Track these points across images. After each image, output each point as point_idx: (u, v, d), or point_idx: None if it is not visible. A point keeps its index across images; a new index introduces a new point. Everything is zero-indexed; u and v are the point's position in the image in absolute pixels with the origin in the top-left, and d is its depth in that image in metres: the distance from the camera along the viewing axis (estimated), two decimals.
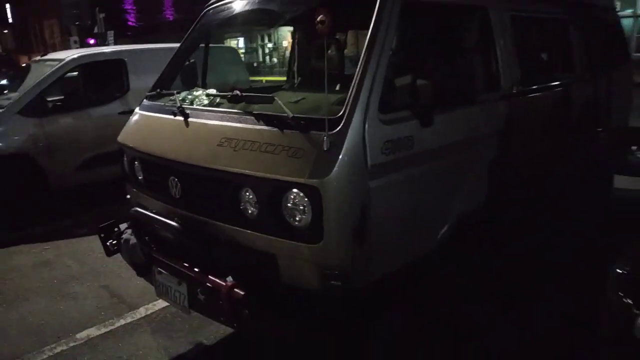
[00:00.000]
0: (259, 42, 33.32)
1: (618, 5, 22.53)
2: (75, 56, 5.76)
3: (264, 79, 16.81)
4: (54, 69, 5.48)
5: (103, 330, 3.06)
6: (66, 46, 22.85)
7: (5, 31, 51.14)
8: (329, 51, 2.78)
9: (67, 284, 3.72)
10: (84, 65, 5.72)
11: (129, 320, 3.17)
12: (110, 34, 20.78)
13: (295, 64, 3.55)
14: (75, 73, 5.82)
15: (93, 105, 5.67)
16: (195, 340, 2.91)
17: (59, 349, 2.88)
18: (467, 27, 2.54)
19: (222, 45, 6.60)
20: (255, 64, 32.31)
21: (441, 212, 2.28)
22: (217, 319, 2.12)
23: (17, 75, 6.53)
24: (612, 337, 1.20)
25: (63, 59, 5.64)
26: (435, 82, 2.11)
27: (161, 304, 3.30)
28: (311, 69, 2.97)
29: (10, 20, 54.28)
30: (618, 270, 1.23)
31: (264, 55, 33.15)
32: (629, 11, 21.68)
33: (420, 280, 2.18)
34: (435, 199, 2.23)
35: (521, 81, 2.71)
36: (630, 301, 1.14)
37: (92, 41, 21.12)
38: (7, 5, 53.60)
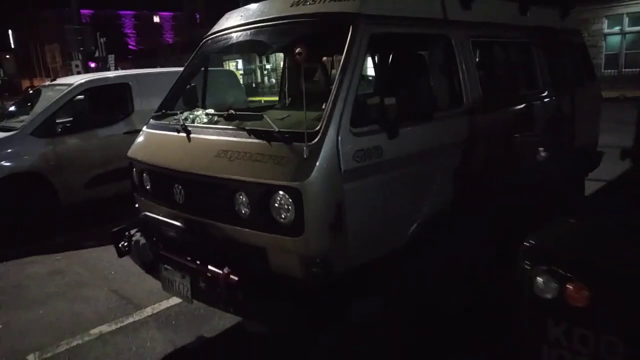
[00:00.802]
0: (258, 63, 34.08)
1: (606, 23, 23.06)
2: (82, 81, 6.19)
3: (262, 99, 17.29)
4: (63, 93, 5.89)
5: (114, 327, 3.39)
6: (68, 70, 23.41)
7: (7, 56, 52.17)
8: (315, 75, 3.17)
9: (79, 289, 4.05)
10: (91, 89, 6.14)
11: (137, 318, 3.50)
12: (111, 58, 21.33)
13: (286, 86, 3.95)
14: (83, 96, 6.26)
15: (100, 126, 6.06)
16: (197, 334, 3.24)
17: (74, 343, 3.20)
18: (431, 53, 2.94)
19: (221, 69, 7.04)
20: (254, 85, 33.01)
21: (410, 212, 2.62)
22: (217, 306, 2.45)
23: (24, 101, 6.93)
24: (519, 297, 1.54)
25: (72, 84, 6.06)
26: (400, 100, 2.50)
27: (166, 304, 3.65)
28: (297, 90, 3.36)
29: (12, 46, 55.37)
30: (525, 243, 1.58)
31: (263, 76, 33.88)
32: (616, 29, 22.31)
33: (394, 271, 2.52)
34: (405, 200, 2.58)
35: (483, 99, 3.08)
36: (534, 266, 1.49)
37: (93, 65, 21.67)
38: (10, 31, 54.74)
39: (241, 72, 33.20)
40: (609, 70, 22.66)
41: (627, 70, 22.22)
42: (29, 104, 6.53)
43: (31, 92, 7.61)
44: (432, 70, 2.91)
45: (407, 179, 2.58)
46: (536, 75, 3.86)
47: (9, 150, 5.37)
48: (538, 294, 1.47)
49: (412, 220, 2.63)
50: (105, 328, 3.38)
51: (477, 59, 3.15)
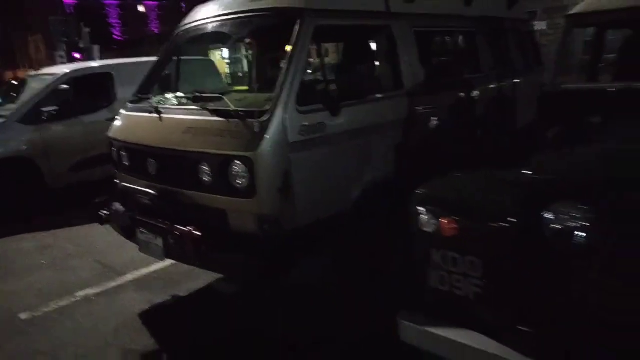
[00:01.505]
0: (244, 52, 34.05)
1: None
2: (67, 70, 6.50)
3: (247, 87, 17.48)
4: (48, 82, 6.21)
5: (98, 290, 3.78)
6: (52, 61, 23.42)
7: None
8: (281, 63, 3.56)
9: (66, 261, 4.43)
10: (75, 79, 6.44)
11: (119, 283, 3.90)
12: (96, 49, 21.38)
13: (253, 73, 4.34)
14: (68, 86, 6.56)
15: (84, 114, 6.38)
16: (172, 294, 3.64)
17: (62, 304, 3.59)
18: (373, 41, 3.34)
19: (199, 58, 7.36)
20: (240, 74, 33.05)
21: (354, 179, 3.03)
22: (185, 260, 2.86)
23: (11, 90, 7.21)
24: (411, 232, 1.96)
25: (56, 74, 6.37)
26: (342, 83, 2.90)
27: (145, 271, 4.04)
28: (257, 76, 3.75)
29: None
30: (416, 192, 1.99)
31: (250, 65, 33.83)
32: None
33: (340, 230, 2.93)
34: (348, 169, 2.98)
35: (424, 83, 3.49)
36: (420, 208, 1.91)
37: (78, 55, 21.67)
38: None
39: (227, 61, 33.22)
40: (587, 56, 23.30)
41: (605, 56, 22.82)
42: (15, 93, 6.83)
43: (16, 82, 7.89)
44: (375, 57, 3.31)
45: (350, 151, 2.99)
46: (480, 62, 4.28)
47: None
48: (423, 228, 1.90)
49: (356, 187, 3.04)
50: (90, 291, 3.77)
51: (420, 47, 3.52)
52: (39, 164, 5.87)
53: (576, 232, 1.68)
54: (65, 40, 14.64)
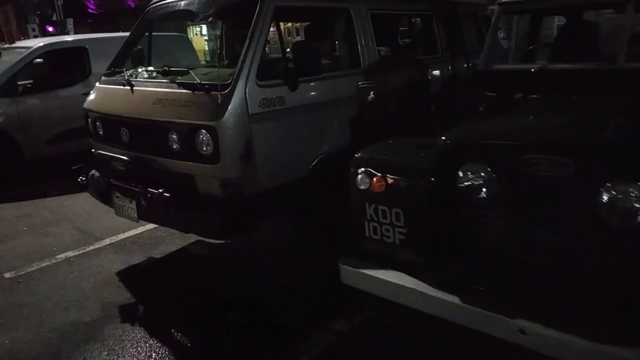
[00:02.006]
0: (223, 30, 33.62)
1: None
2: (41, 44, 6.60)
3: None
4: (22, 55, 6.31)
5: (77, 252, 4.06)
6: (24, 34, 22.87)
7: None
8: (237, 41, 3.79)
9: (45, 227, 4.68)
10: (50, 52, 6.55)
11: (97, 246, 4.17)
12: (70, 22, 20.93)
13: (221, 49, 4.57)
14: (42, 59, 6.65)
15: (59, 88, 6.51)
16: (147, 255, 3.94)
17: (44, 265, 3.86)
18: (331, 22, 3.61)
19: (173, 34, 7.49)
20: (219, 51, 32.67)
21: (312, 149, 3.32)
22: (156, 221, 3.16)
23: None
24: (351, 190, 2.29)
25: (30, 47, 6.46)
26: (301, 60, 3.17)
27: (122, 236, 4.32)
28: (225, 52, 4.00)
29: None
30: (355, 156, 2.32)
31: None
32: None
33: (299, 195, 3.24)
34: (307, 139, 3.28)
35: (379, 61, 3.78)
36: (357, 170, 2.24)
37: (51, 29, 21.20)
38: None
39: (206, 38, 32.86)
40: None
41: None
42: None
43: None
44: (333, 36, 3.58)
45: (309, 122, 3.28)
46: (435, 43, 4.58)
47: None
48: (359, 186, 2.23)
49: (314, 155, 3.34)
50: (70, 254, 4.04)
51: (376, 28, 3.80)
52: (15, 136, 6.03)
53: (481, 188, 2.03)
54: (38, 13, 14.36)
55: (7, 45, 7.39)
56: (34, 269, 3.80)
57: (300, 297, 3.13)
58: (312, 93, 3.27)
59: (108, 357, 2.67)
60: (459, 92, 4.82)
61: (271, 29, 3.21)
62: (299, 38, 7.04)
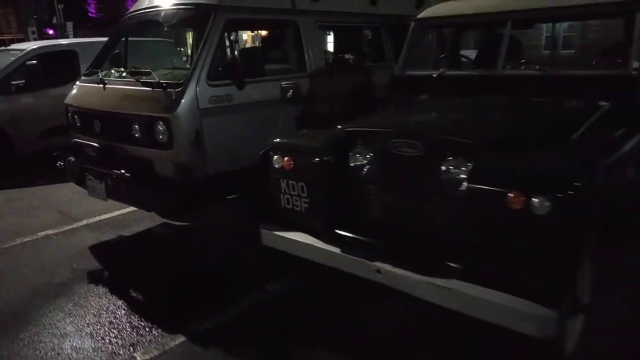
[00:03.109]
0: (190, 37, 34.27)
1: None
2: (34, 47, 7.16)
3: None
4: (16, 57, 6.86)
5: (56, 231, 4.58)
6: (24, 37, 23.49)
7: None
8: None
9: (29, 211, 5.20)
10: (43, 55, 7.12)
11: (74, 226, 4.70)
12: (70, 25, 21.54)
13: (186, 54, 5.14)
14: (35, 61, 7.22)
15: (50, 87, 7.05)
16: (117, 234, 4.46)
17: (25, 240, 4.39)
18: (281, 32, 4.16)
19: (158, 39, 8.07)
20: (187, 56, 33.26)
21: (259, 141, 3.85)
22: (121, 199, 3.69)
23: None
24: (269, 169, 2.83)
25: (24, 49, 7.02)
26: (249, 64, 3.72)
27: (97, 218, 4.85)
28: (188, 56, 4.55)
29: None
30: (274, 141, 2.85)
31: None
32: None
33: (246, 180, 3.76)
34: (254, 131, 3.80)
35: (324, 67, 4.33)
36: (274, 152, 2.78)
37: (51, 32, 21.79)
38: None
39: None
40: (548, 51, 24.48)
41: (564, 51, 23.99)
42: None
43: None
44: (282, 44, 4.14)
45: (256, 117, 3.81)
46: (383, 52, 5.15)
47: None
48: (275, 165, 2.77)
49: (261, 146, 3.88)
50: (49, 232, 4.56)
51: (324, 38, 4.37)
52: (8, 130, 6.56)
53: (365, 166, 2.58)
54: (35, 17, 14.97)
55: (2, 48, 7.92)
56: (16, 243, 4.33)
57: (243, 266, 3.66)
58: (259, 92, 3.82)
59: (73, 308, 3.20)
60: None
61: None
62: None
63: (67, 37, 20.27)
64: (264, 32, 4.37)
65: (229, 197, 3.85)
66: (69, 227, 4.68)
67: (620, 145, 2.30)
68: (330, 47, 5.85)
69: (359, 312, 3.02)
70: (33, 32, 20.68)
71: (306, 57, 4.22)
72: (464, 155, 2.20)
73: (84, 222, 4.80)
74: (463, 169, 2.18)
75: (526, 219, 1.84)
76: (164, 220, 4.69)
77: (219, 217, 4.40)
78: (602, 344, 2.54)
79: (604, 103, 2.48)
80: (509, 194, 1.87)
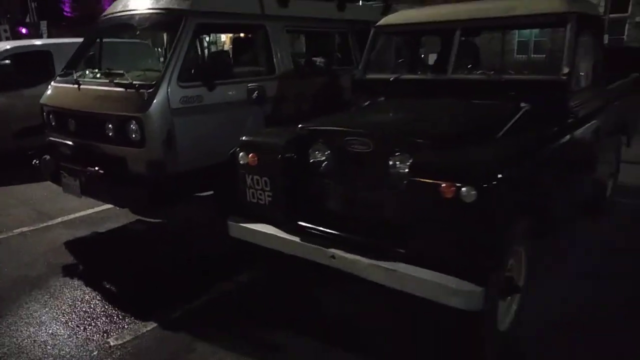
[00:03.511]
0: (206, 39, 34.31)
1: None
2: (8, 47, 7.19)
3: None
4: None
5: (31, 228, 4.69)
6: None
7: None
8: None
9: (6, 209, 5.29)
10: (17, 55, 7.16)
11: (50, 223, 4.81)
12: (43, 24, 21.23)
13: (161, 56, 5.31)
14: (9, 61, 7.26)
15: (25, 87, 7.10)
16: (92, 230, 4.61)
17: (1, 237, 4.49)
18: (250, 36, 4.36)
19: (135, 41, 8.18)
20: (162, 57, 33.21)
21: (229, 139, 4.03)
22: (95, 195, 3.83)
23: None
24: (236, 165, 3.03)
25: None
26: (220, 66, 3.91)
27: (72, 216, 4.97)
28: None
29: None
30: (241, 139, 3.06)
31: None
32: None
33: (218, 176, 3.95)
34: (224, 130, 3.99)
35: (293, 69, 4.55)
36: (240, 149, 2.99)
37: (24, 31, 21.43)
38: None
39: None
40: (520, 55, 25.13)
41: (535, 55, 24.69)
42: None
43: None
44: (252, 48, 4.34)
45: (226, 117, 4.00)
46: (350, 55, 5.39)
47: None
48: (240, 162, 2.97)
49: (231, 145, 4.07)
50: (25, 229, 4.67)
51: (292, 42, 4.59)
52: None
53: (323, 162, 2.81)
54: (8, 17, 14.81)
55: None
56: None
57: (213, 259, 3.85)
58: (229, 93, 4.01)
59: (49, 299, 3.34)
60: None
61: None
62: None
63: (41, 36, 20.01)
64: (235, 36, 4.56)
65: (203, 193, 4.06)
66: (44, 224, 4.79)
67: (544, 141, 2.58)
68: (304, 50, 6.08)
69: (320, 298, 3.25)
70: (5, 31, 20.34)
71: (275, 60, 4.43)
72: (407, 151, 2.44)
73: (59, 219, 4.91)
74: (406, 163, 2.42)
75: (457, 206, 2.09)
76: (138, 217, 4.86)
77: (192, 213, 4.61)
78: (538, 322, 2.83)
79: (524, 105, 2.76)
80: (442, 185, 2.11)
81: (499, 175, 2.09)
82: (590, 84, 3.31)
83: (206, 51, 4.08)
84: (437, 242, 2.23)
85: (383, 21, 3.86)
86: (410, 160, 2.33)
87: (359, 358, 2.63)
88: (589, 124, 3.24)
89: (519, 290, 2.60)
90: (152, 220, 4.81)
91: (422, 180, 2.19)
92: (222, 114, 3.98)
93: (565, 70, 2.87)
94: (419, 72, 3.60)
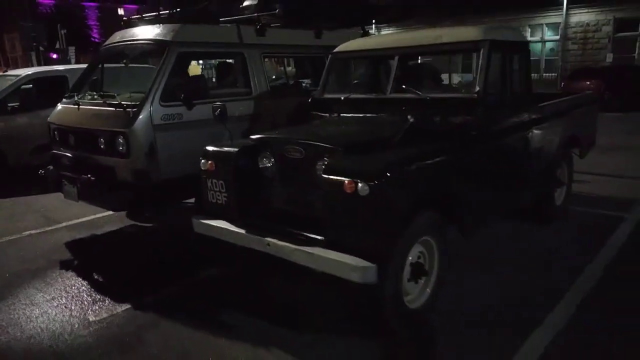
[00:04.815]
0: (214, 61, 35.80)
1: (529, 31, 25.24)
2: (29, 72, 8.00)
3: None
4: (12, 81, 7.70)
5: (39, 230, 5.32)
6: (27, 60, 24.59)
7: None
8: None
9: (18, 215, 5.95)
10: (36, 80, 7.96)
11: (54, 227, 5.44)
12: (72, 50, 22.58)
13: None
14: (29, 85, 8.06)
15: (42, 108, 7.85)
16: (91, 233, 5.20)
17: (11, 238, 5.13)
18: (230, 62, 4.96)
19: (144, 65, 8.93)
20: (213, 79, 34.74)
21: None
22: (89, 200, 4.43)
23: None
24: (201, 173, 3.57)
25: (19, 75, 7.86)
26: (198, 88, 4.51)
27: (76, 221, 5.58)
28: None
29: None
30: (204, 149, 3.60)
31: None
32: (537, 37, 24.84)
33: (193, 184, 4.50)
34: (202, 143, 4.50)
35: (269, 91, 5.13)
36: (202, 158, 3.53)
37: (54, 56, 22.80)
38: None
39: (202, 67, 34.99)
40: (532, 74, 25.47)
41: (546, 74, 24.95)
42: None
43: None
44: (230, 72, 4.94)
45: (204, 132, 4.56)
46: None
47: None
48: (202, 168, 3.51)
49: None
50: (32, 231, 5.30)
51: (270, 66, 5.17)
52: (2, 147, 7.35)
53: (269, 168, 3.33)
54: (34, 44, 15.99)
55: (1, 73, 8.79)
56: (3, 240, 5.07)
57: (192, 256, 4.38)
58: (207, 112, 4.58)
59: (44, 286, 3.92)
60: None
61: None
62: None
63: (68, 61, 21.32)
64: (218, 61, 5.18)
65: (189, 200, 4.62)
66: (50, 228, 5.42)
67: (444, 149, 3.04)
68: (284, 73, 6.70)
69: (273, 287, 3.74)
70: (37, 56, 21.69)
71: (252, 83, 5.01)
72: (327, 157, 2.95)
73: (64, 224, 5.53)
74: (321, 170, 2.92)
75: (356, 199, 2.58)
76: (133, 222, 5.44)
77: (180, 217, 5.14)
78: (452, 308, 3.26)
79: (410, 117, 3.26)
80: (345, 182, 2.61)
81: (387, 174, 2.58)
82: (509, 100, 3.77)
83: (185, 76, 4.67)
84: (344, 229, 2.72)
85: (338, 48, 4.41)
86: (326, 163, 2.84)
87: (295, 333, 3.10)
88: (507, 135, 3.70)
89: (426, 274, 3.04)
90: (145, 224, 5.39)
91: (332, 177, 2.69)
92: (200, 129, 4.54)
93: (477, 88, 3.35)
94: (366, 92, 4.12)
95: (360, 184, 2.56)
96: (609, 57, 20.49)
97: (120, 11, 62.51)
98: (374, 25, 23.68)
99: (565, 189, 5.13)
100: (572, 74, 18.36)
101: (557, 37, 23.88)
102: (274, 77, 6.31)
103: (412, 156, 2.82)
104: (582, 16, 22.91)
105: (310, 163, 3.07)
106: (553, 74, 24.40)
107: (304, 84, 6.07)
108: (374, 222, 2.60)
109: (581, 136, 5.15)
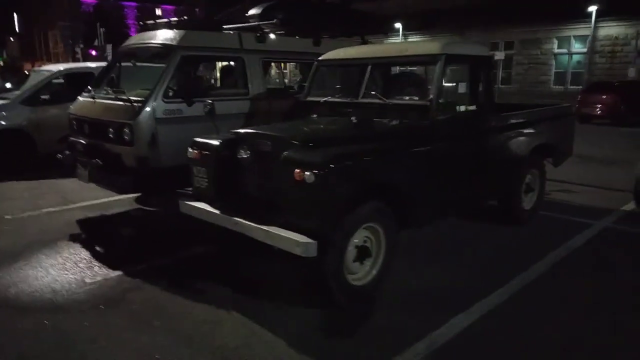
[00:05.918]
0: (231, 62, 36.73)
1: (556, 43, 25.04)
2: (62, 68, 8.78)
3: None
4: (45, 76, 8.48)
5: (56, 209, 5.98)
6: (69, 56, 26.02)
7: (12, 39, 54.67)
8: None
9: (40, 196, 6.64)
10: (67, 75, 8.73)
11: (71, 207, 6.09)
12: (109, 47, 23.78)
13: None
14: (61, 80, 8.84)
15: (71, 101, 8.57)
16: (101, 213, 5.82)
17: (32, 213, 5.79)
18: (229, 65, 5.50)
19: (155, 65, 9.63)
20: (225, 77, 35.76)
21: None
22: (98, 182, 5.03)
23: (20, 80, 9.52)
24: (189, 162, 4.10)
25: (52, 70, 8.64)
26: (199, 87, 5.06)
27: (89, 202, 6.22)
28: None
29: (17, 29, 57.86)
30: (192, 140, 4.12)
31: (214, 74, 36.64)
32: (565, 49, 24.65)
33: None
34: (199, 136, 5.11)
35: (265, 93, 5.64)
36: (190, 147, 4.06)
37: (94, 53, 24.06)
38: (15, 15, 57.05)
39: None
40: (558, 87, 25.24)
41: (571, 87, 24.71)
42: (20, 83, 9.13)
43: (28, 74, 10.22)
44: (230, 74, 5.48)
45: (202, 127, 5.10)
46: None
47: (3, 113, 7.98)
48: (189, 156, 4.04)
49: None
50: (50, 209, 5.97)
51: (268, 70, 5.69)
52: (33, 135, 8.11)
53: (246, 159, 3.84)
54: (71, 42, 17.09)
55: (36, 68, 9.64)
56: (25, 215, 5.74)
57: (186, 235, 4.93)
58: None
59: (52, 253, 4.52)
60: None
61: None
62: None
63: (106, 58, 22.52)
64: (221, 63, 5.72)
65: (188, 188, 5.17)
66: (66, 207, 6.07)
67: (392, 148, 3.47)
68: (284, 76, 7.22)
69: (245, 262, 4.24)
70: (77, 52, 22.92)
71: (249, 85, 5.54)
72: (288, 150, 3.43)
73: (79, 204, 6.18)
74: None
75: (304, 186, 3.05)
76: (139, 206, 6.04)
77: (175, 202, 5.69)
78: (398, 289, 3.69)
79: (353, 118, 3.75)
80: (296, 170, 3.08)
81: (331, 165, 3.04)
82: (465, 108, 4.15)
83: (187, 76, 5.25)
84: (295, 211, 3.19)
85: (322, 57, 4.89)
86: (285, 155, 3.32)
87: (254, 300, 3.58)
88: (456, 140, 4.06)
89: (370, 255, 3.48)
90: (149, 208, 5.98)
91: (287, 167, 3.17)
92: (199, 124, 5.09)
93: (430, 96, 3.78)
94: (343, 97, 4.58)
95: (307, 173, 3.03)
96: (631, 72, 20.19)
97: (158, 11, 64.63)
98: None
99: (537, 194, 5.45)
100: (589, 87, 18.27)
101: (585, 50, 23.60)
102: (273, 79, 6.86)
103: (354, 151, 3.27)
104: (610, 29, 22.67)
105: (276, 155, 3.54)
106: (579, 87, 24.14)
107: (292, 86, 6.57)
108: (318, 206, 3.07)
109: (553, 146, 5.44)
